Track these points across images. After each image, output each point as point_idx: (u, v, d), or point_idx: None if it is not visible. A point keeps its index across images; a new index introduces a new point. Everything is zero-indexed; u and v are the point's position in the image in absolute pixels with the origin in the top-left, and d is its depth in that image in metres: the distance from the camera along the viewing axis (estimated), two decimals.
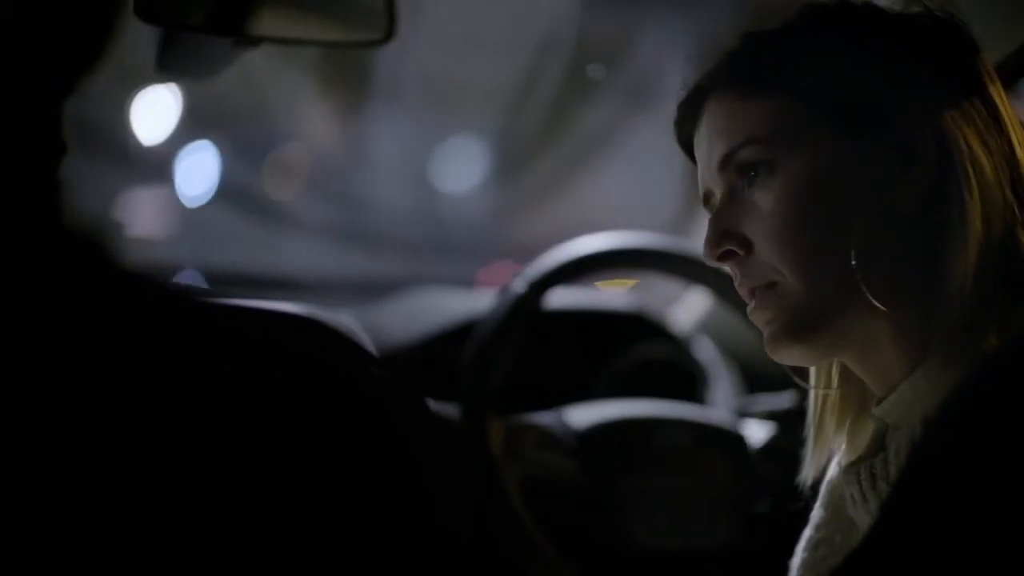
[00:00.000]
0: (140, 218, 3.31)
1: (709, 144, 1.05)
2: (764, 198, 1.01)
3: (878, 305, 0.98)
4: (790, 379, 1.93)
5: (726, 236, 1.04)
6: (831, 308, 1.00)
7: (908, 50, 1.01)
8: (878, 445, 1.04)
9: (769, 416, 1.97)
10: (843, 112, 1.00)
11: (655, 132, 3.56)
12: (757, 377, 2.15)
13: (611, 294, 2.38)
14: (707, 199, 1.08)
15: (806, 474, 1.11)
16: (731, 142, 1.03)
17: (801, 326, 1.01)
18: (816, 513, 1.11)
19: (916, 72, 1.00)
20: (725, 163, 1.04)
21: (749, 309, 1.04)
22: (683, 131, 1.10)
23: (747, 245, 1.03)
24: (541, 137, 3.81)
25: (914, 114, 0.99)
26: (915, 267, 0.99)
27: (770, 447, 1.90)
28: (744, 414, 2.01)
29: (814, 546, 1.09)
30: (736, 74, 1.04)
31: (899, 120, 0.99)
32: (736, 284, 1.05)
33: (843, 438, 1.09)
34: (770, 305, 1.02)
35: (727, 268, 1.06)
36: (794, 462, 1.13)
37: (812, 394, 1.12)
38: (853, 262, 0.98)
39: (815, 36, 1.04)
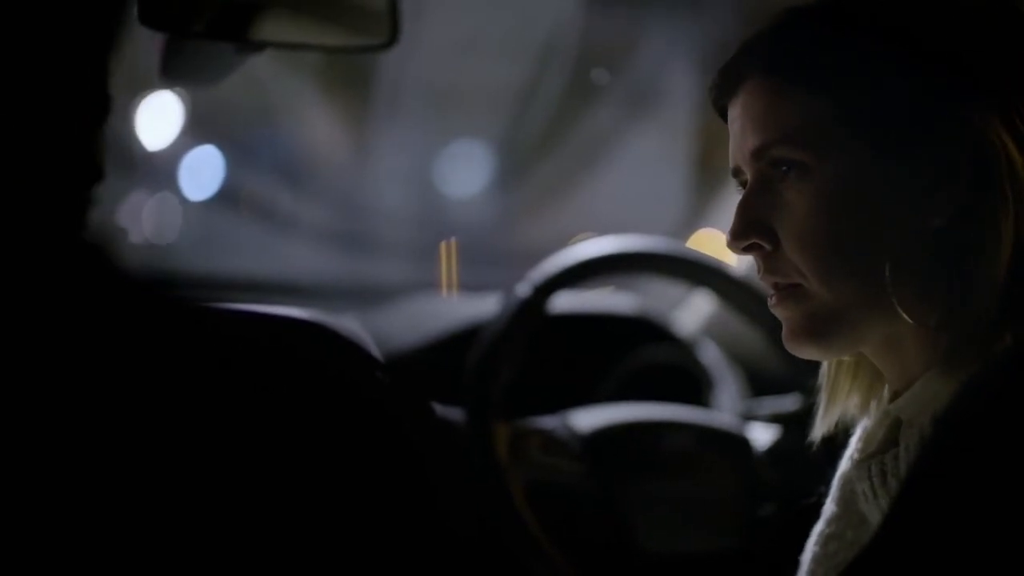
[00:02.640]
0: (144, 223, 3.31)
1: (743, 129, 1.04)
2: (795, 198, 1.01)
3: (904, 316, 0.98)
4: (795, 382, 1.92)
5: (753, 228, 1.03)
6: (852, 315, 1.01)
7: (953, 32, 1.00)
8: (891, 441, 1.04)
9: (774, 419, 1.97)
10: (881, 123, 1.00)
11: (659, 137, 3.57)
12: (762, 380, 2.14)
13: (615, 298, 2.37)
14: (736, 173, 1.07)
15: (816, 432, 1.10)
16: (765, 135, 1.02)
17: (821, 329, 1.02)
18: (828, 508, 1.11)
19: (959, 62, 0.99)
20: (758, 155, 1.03)
21: (771, 302, 1.04)
22: (718, 99, 1.09)
23: (774, 240, 1.03)
24: (544, 142, 3.81)
25: (953, 126, 0.98)
26: (941, 276, 0.99)
27: (775, 450, 1.90)
28: (749, 417, 2.01)
29: (825, 541, 1.09)
30: (775, 60, 1.03)
31: (937, 134, 0.98)
32: (759, 275, 1.05)
33: (857, 398, 1.09)
34: (791, 305, 1.03)
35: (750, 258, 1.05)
36: (799, 465, 1.12)
37: None
38: (888, 276, 0.98)
39: (859, 17, 1.02)
